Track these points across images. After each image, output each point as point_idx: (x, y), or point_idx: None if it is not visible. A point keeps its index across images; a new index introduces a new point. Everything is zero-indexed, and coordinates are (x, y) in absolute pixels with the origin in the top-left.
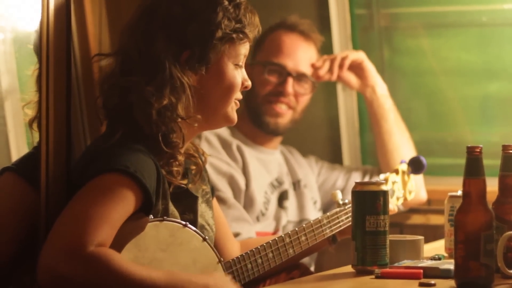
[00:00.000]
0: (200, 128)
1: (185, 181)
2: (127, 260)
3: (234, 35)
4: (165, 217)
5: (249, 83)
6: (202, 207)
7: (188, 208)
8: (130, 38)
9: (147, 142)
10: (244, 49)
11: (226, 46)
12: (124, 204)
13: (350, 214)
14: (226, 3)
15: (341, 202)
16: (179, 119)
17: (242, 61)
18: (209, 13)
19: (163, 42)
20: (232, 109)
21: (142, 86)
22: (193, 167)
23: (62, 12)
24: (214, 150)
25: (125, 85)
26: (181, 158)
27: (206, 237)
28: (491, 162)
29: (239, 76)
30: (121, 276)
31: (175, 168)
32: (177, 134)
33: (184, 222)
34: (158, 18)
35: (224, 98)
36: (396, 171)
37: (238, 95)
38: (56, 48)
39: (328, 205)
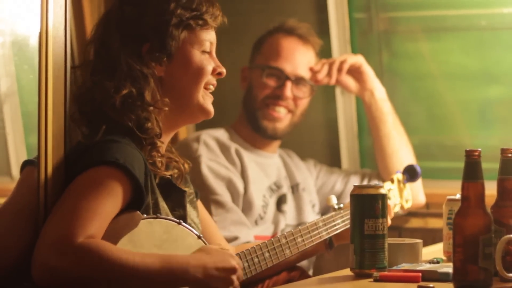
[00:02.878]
0: (178, 119)
1: (169, 172)
2: (120, 247)
3: (191, 22)
4: (158, 215)
5: (222, 70)
6: (187, 206)
7: (177, 204)
8: (92, 47)
9: (128, 134)
10: (208, 35)
11: (185, 33)
12: (114, 196)
13: (345, 217)
14: None
15: (336, 207)
16: (150, 107)
17: (209, 48)
18: (160, 6)
19: (119, 42)
20: (204, 98)
21: (102, 82)
22: (175, 171)
23: (61, 16)
24: (213, 153)
25: (91, 87)
26: (161, 145)
27: (201, 235)
28: (490, 165)
29: (207, 62)
30: (114, 263)
31: (158, 159)
32: (151, 122)
33: (178, 220)
34: (111, 22)
35: (193, 84)
36: (392, 180)
37: (211, 79)
38: (55, 52)
39: (326, 208)
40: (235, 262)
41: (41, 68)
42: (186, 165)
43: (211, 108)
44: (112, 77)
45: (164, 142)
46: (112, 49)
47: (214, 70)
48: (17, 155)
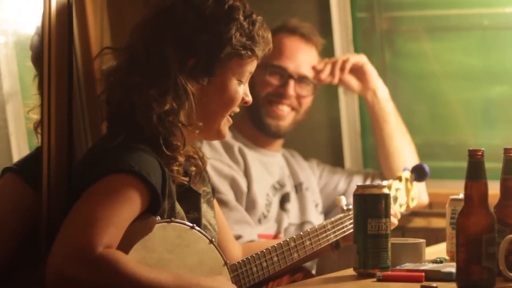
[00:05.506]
0: (196, 137)
1: (186, 178)
2: (134, 260)
3: (242, 52)
4: (172, 219)
5: (249, 98)
6: (203, 207)
7: (192, 207)
8: (141, 35)
9: (149, 143)
10: (251, 66)
11: (233, 61)
12: (131, 204)
13: None
14: (242, 18)
15: (345, 208)
16: (181, 125)
17: (246, 77)
18: (222, 26)
19: (172, 46)
20: (225, 124)
21: (145, 89)
22: (193, 169)
23: (64, 15)
24: (216, 152)
25: (129, 84)
26: (181, 159)
27: (213, 239)
28: (493, 165)
29: (241, 92)
30: (129, 278)
31: (175, 168)
32: (177, 137)
33: (191, 224)
34: (171, 21)
35: (221, 111)
36: (399, 178)
37: (235, 108)
38: (58, 51)
39: (329, 208)
40: None
41: (44, 68)
42: (205, 158)
43: (227, 132)
44: (155, 82)
45: (183, 153)
46: (162, 49)
47: (242, 98)
48: (20, 155)
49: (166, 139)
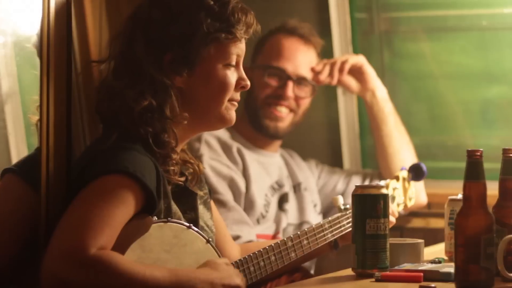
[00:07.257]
0: (196, 128)
1: (182, 179)
2: (130, 260)
3: (218, 35)
4: (169, 218)
5: (246, 83)
6: (200, 208)
7: (189, 207)
8: (117, 44)
9: (142, 142)
10: (236, 48)
11: (211, 46)
12: (126, 205)
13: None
14: (212, 3)
15: (342, 207)
16: (167, 120)
17: (234, 60)
18: (190, 15)
19: (143, 46)
20: (227, 110)
21: (123, 91)
22: (190, 171)
23: (63, 16)
24: (214, 153)
25: (113, 91)
26: (176, 157)
27: (210, 239)
28: (492, 165)
29: (232, 76)
30: (124, 277)
31: (172, 167)
32: (168, 133)
33: (188, 224)
34: (139, 23)
35: (214, 99)
36: (397, 178)
37: (235, 95)
38: (57, 51)
39: (328, 208)
40: (239, 280)
41: (42, 68)
42: (200, 166)
43: (232, 117)
44: (133, 84)
45: (178, 151)
46: (136, 52)
47: (237, 83)
48: (19, 155)
49: (155, 137)
